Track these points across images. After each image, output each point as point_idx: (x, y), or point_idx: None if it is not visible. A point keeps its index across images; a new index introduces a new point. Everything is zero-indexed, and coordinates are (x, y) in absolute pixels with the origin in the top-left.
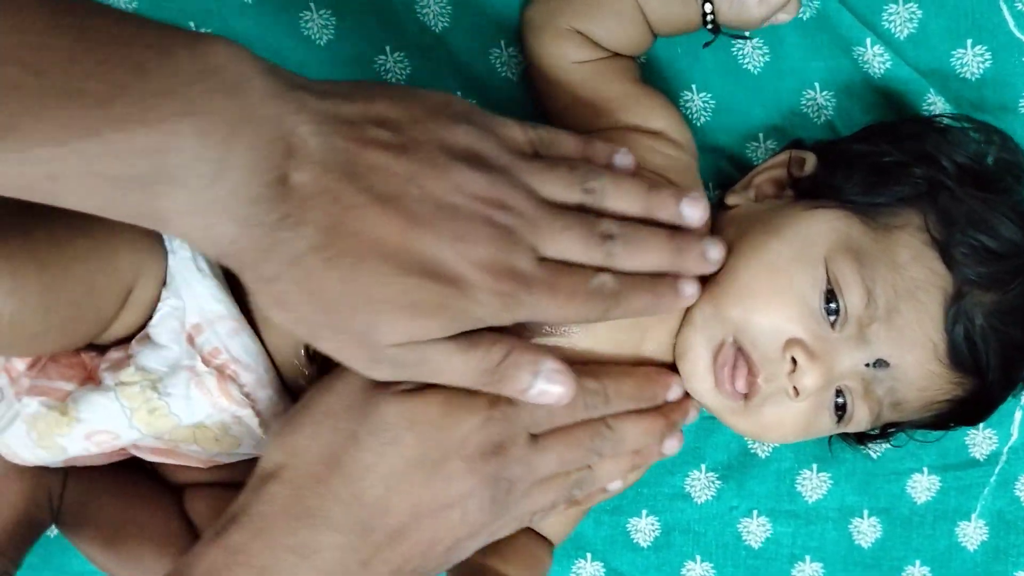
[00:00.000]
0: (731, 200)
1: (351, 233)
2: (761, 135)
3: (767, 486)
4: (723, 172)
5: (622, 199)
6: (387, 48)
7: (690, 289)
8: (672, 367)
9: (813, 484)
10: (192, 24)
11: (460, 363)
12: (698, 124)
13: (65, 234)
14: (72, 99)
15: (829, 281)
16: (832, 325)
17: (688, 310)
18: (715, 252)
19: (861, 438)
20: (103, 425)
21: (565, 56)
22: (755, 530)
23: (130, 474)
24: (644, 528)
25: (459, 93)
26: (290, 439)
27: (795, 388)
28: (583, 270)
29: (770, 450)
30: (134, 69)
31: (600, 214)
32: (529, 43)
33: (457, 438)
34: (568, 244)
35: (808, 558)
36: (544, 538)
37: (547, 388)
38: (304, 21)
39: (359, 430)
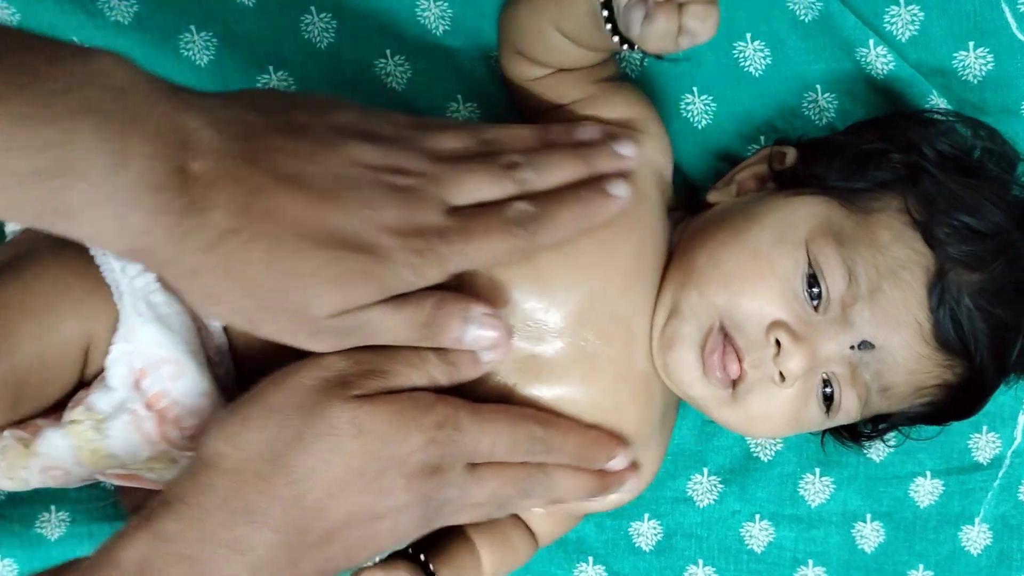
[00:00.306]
0: (712, 197)
1: (262, 213)
2: (763, 137)
3: (770, 490)
4: (723, 174)
5: (515, 140)
6: (387, 51)
7: (618, 188)
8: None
9: (816, 488)
10: (193, 27)
11: (395, 322)
12: (699, 127)
13: (5, 317)
14: None
15: (811, 264)
16: (816, 308)
17: (675, 301)
18: (625, 147)
19: (855, 436)
20: (54, 461)
21: (523, 75)
22: (758, 534)
23: None
24: (646, 532)
25: (459, 96)
26: (235, 430)
27: (780, 373)
28: (497, 204)
29: (773, 454)
30: (28, 71)
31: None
32: (498, 58)
33: (401, 453)
34: (475, 184)
35: (811, 562)
36: (530, 532)
37: (481, 333)
38: (305, 24)
39: (306, 431)
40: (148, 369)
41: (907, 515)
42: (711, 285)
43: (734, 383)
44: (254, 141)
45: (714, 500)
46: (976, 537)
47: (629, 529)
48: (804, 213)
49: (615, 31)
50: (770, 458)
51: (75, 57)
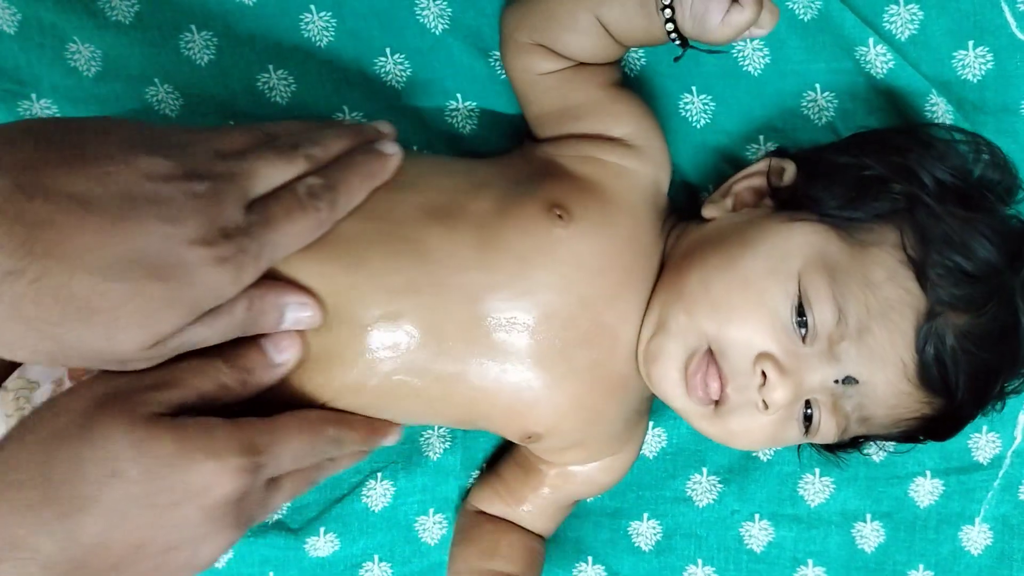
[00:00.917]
0: (708, 213)
1: (45, 250)
2: (761, 137)
3: (769, 490)
4: (723, 174)
5: (295, 127)
6: (387, 50)
7: (389, 147)
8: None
9: (815, 488)
10: (194, 27)
11: (212, 333)
12: (698, 126)
13: None
14: None
15: (801, 297)
16: (803, 339)
17: (662, 317)
18: (384, 125)
19: (830, 448)
20: None
21: (530, 68)
22: (757, 534)
23: None
24: (645, 532)
25: (458, 95)
26: (8, 453)
27: (764, 402)
28: (289, 188)
29: (772, 453)
30: None
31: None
32: (500, 52)
33: (195, 484)
34: (268, 170)
35: (811, 562)
36: (534, 534)
37: (300, 316)
38: (304, 23)
39: (83, 455)
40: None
41: (907, 515)
42: (700, 310)
43: (716, 402)
44: (33, 171)
45: (713, 500)
46: (976, 537)
47: (628, 529)
48: (799, 242)
49: (669, 20)
50: (769, 458)
51: None
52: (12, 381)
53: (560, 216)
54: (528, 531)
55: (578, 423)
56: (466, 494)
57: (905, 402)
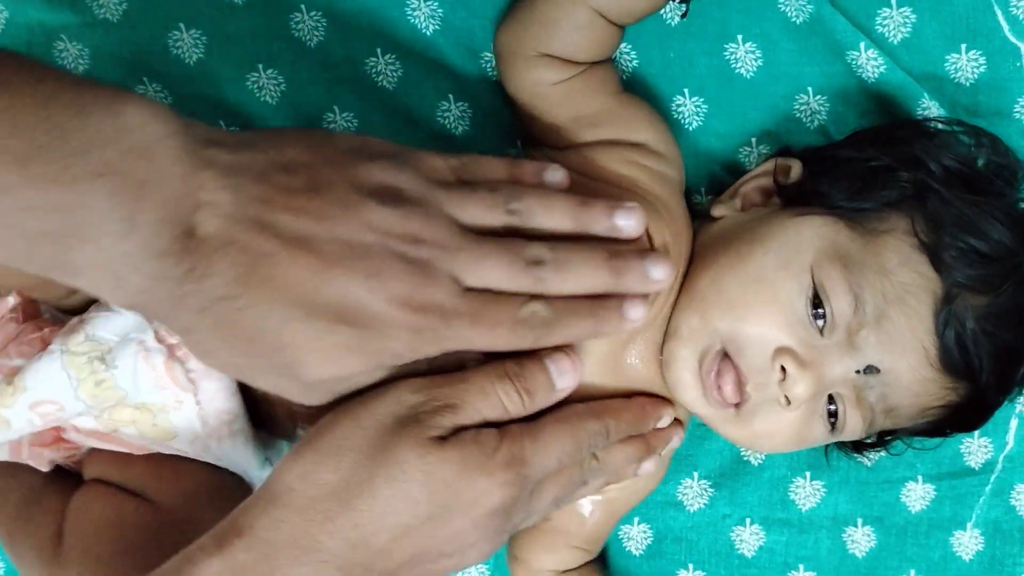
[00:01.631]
0: (717, 212)
1: (260, 281)
2: (754, 140)
3: (760, 494)
4: (715, 177)
5: (550, 216)
6: (378, 50)
7: (636, 312)
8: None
9: (806, 492)
10: (182, 25)
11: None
12: (690, 129)
13: None
14: None
15: (816, 289)
16: (820, 332)
17: (672, 321)
18: (658, 271)
19: (858, 447)
20: (48, 394)
21: (540, 81)
22: (748, 538)
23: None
24: (636, 536)
25: (450, 96)
26: (308, 468)
27: (786, 397)
28: (512, 298)
29: (763, 458)
30: (52, 129)
31: (531, 237)
32: (503, 73)
33: (468, 498)
34: (491, 272)
35: (802, 567)
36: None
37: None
38: (295, 22)
39: (377, 474)
40: None
41: (898, 520)
42: (713, 310)
43: (737, 404)
44: (269, 204)
45: (704, 504)
46: (968, 542)
47: (619, 533)
48: (810, 235)
49: None
50: (760, 462)
51: (105, 110)
52: (79, 344)
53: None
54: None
55: None
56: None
57: (929, 389)
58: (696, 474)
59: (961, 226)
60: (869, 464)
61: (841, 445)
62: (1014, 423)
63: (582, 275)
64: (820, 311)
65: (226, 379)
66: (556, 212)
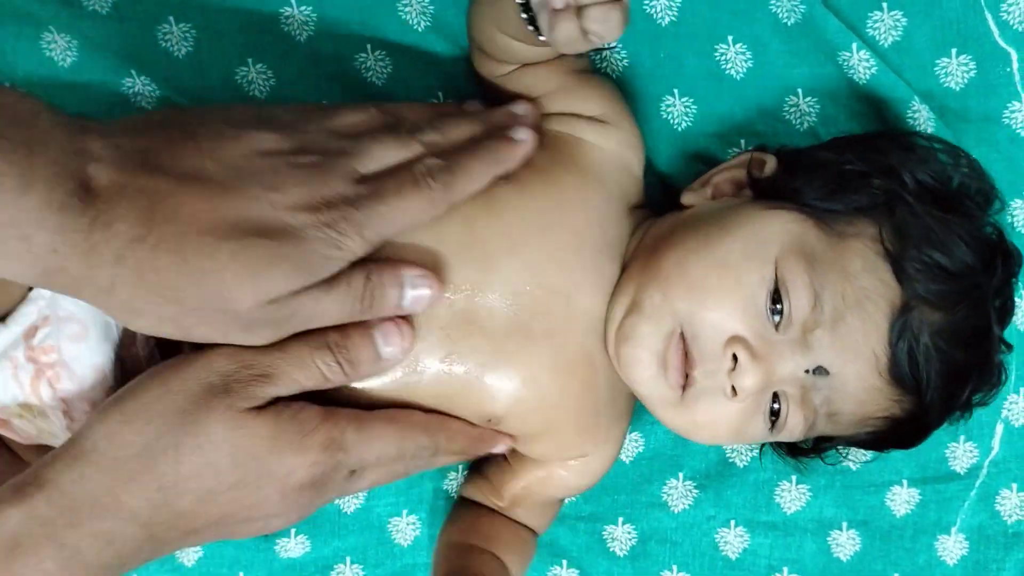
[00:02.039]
0: (687, 199)
1: (165, 217)
2: (743, 141)
3: (745, 496)
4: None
5: (418, 112)
6: (368, 46)
7: (521, 133)
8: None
9: (792, 495)
10: (172, 18)
11: (329, 304)
12: (679, 129)
13: None
14: None
15: (777, 283)
16: (776, 327)
17: (637, 297)
18: (520, 107)
19: (793, 451)
20: None
21: (489, 71)
22: (732, 540)
23: None
24: (620, 536)
25: (440, 93)
26: (114, 428)
27: (733, 387)
28: (405, 165)
29: (748, 459)
30: None
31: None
32: (472, 52)
33: (279, 472)
34: (381, 150)
35: (786, 570)
36: (526, 527)
37: (418, 294)
38: (285, 17)
39: (183, 442)
40: (52, 319)
41: (883, 524)
42: (675, 290)
43: (683, 386)
44: (153, 151)
45: (689, 505)
46: (952, 547)
47: (603, 533)
48: (778, 229)
49: (538, 32)
50: (746, 464)
51: None
52: None
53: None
54: (515, 521)
55: (538, 403)
56: (444, 498)
57: (875, 398)
58: (681, 475)
59: (927, 240)
60: (854, 468)
61: (777, 448)
62: (1000, 428)
63: (459, 126)
64: (778, 306)
65: (100, 393)
66: (419, 108)
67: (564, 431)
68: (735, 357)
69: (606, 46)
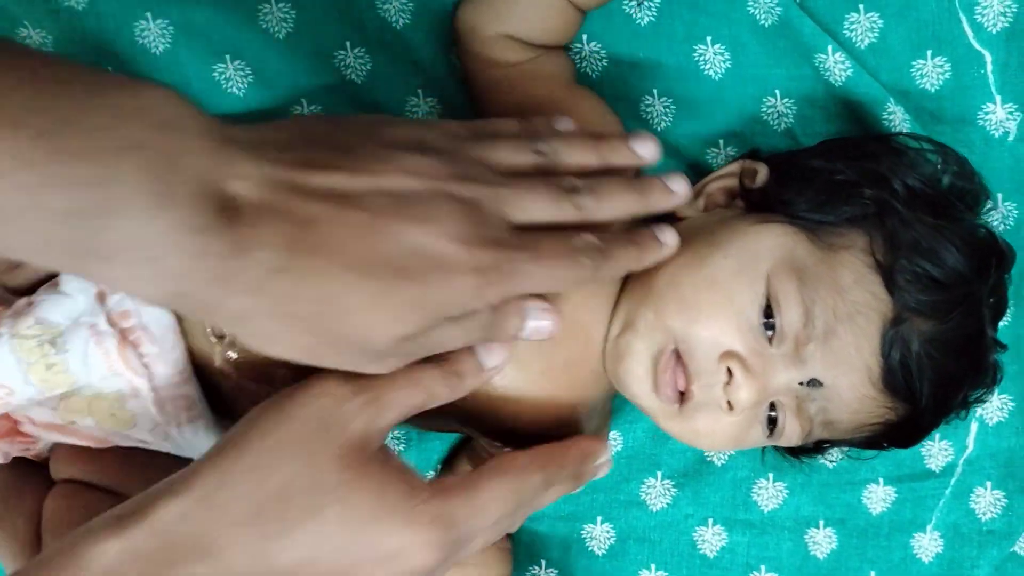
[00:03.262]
0: (680, 211)
1: (311, 248)
2: (721, 141)
3: (723, 494)
4: None
5: (575, 153)
6: (347, 44)
7: (670, 237)
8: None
9: (769, 493)
10: (149, 15)
11: (457, 333)
12: (658, 129)
13: None
14: (13, 130)
15: (769, 298)
16: (770, 341)
17: (627, 315)
18: (677, 184)
19: (794, 451)
20: None
21: (497, 61)
22: (710, 539)
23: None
24: (599, 536)
25: (419, 91)
26: (224, 463)
27: (729, 402)
28: (564, 231)
29: (726, 458)
30: (73, 105)
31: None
32: (461, 53)
33: (386, 548)
34: (536, 205)
35: (763, 568)
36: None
37: (538, 325)
38: (263, 13)
39: (295, 481)
40: None
41: (859, 522)
42: (667, 308)
43: (682, 398)
44: (300, 169)
45: (667, 504)
46: (927, 545)
47: (582, 532)
48: (769, 244)
49: None
50: (723, 462)
51: (121, 90)
52: (28, 327)
53: None
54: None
55: (552, 422)
56: None
57: (869, 407)
58: (659, 473)
59: (918, 250)
60: (831, 466)
61: (779, 448)
62: (974, 427)
63: (615, 199)
64: (771, 320)
65: (181, 363)
66: (578, 149)
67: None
68: (730, 372)
69: None
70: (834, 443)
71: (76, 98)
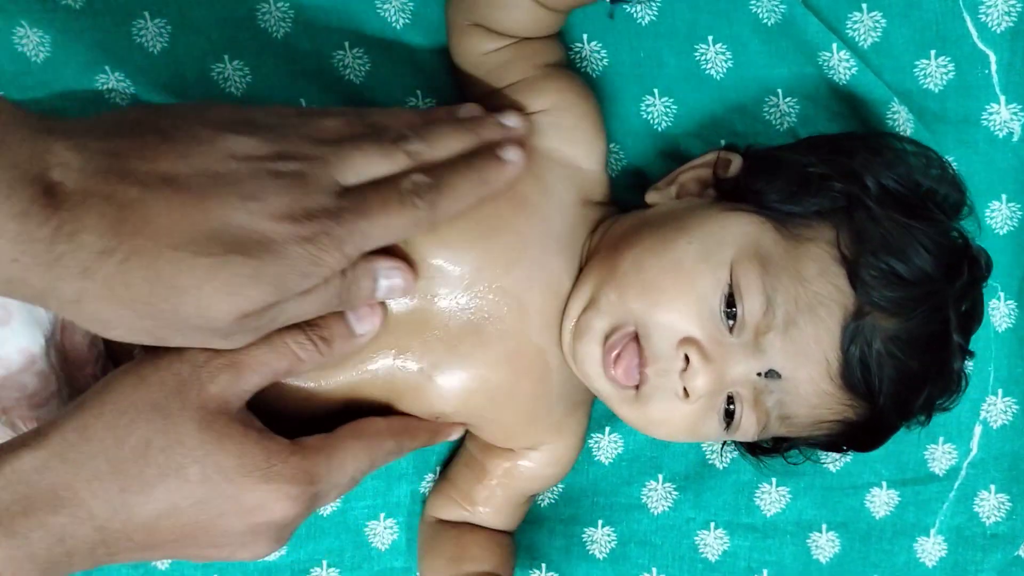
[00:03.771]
0: (651, 198)
1: (136, 227)
2: (723, 141)
3: (725, 498)
4: None
5: (403, 120)
6: (346, 44)
7: (512, 153)
8: None
9: (772, 497)
10: (147, 14)
11: (307, 305)
12: (659, 129)
13: None
14: None
15: (731, 286)
16: (730, 329)
17: (594, 294)
18: (510, 118)
19: (753, 450)
20: None
21: (472, 50)
22: (712, 543)
23: None
24: (600, 539)
25: (417, 91)
26: (86, 419)
27: (685, 389)
28: (391, 180)
29: (728, 461)
30: None
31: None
32: (448, 42)
33: (246, 502)
34: (365, 160)
35: (766, 572)
36: (501, 531)
37: (391, 284)
38: (261, 12)
39: (152, 441)
40: None
41: (862, 526)
42: (630, 290)
43: (637, 385)
44: (122, 154)
45: (669, 507)
46: (931, 549)
47: (583, 536)
48: (735, 232)
49: None
50: (726, 465)
51: None
52: None
53: None
54: (492, 529)
55: (487, 401)
56: (421, 501)
57: (827, 402)
58: (661, 476)
59: (884, 246)
60: (834, 469)
61: (738, 444)
62: (978, 429)
63: (446, 136)
64: (733, 309)
65: (29, 384)
66: (405, 115)
67: (514, 424)
68: (687, 358)
69: None
70: (793, 442)
71: None
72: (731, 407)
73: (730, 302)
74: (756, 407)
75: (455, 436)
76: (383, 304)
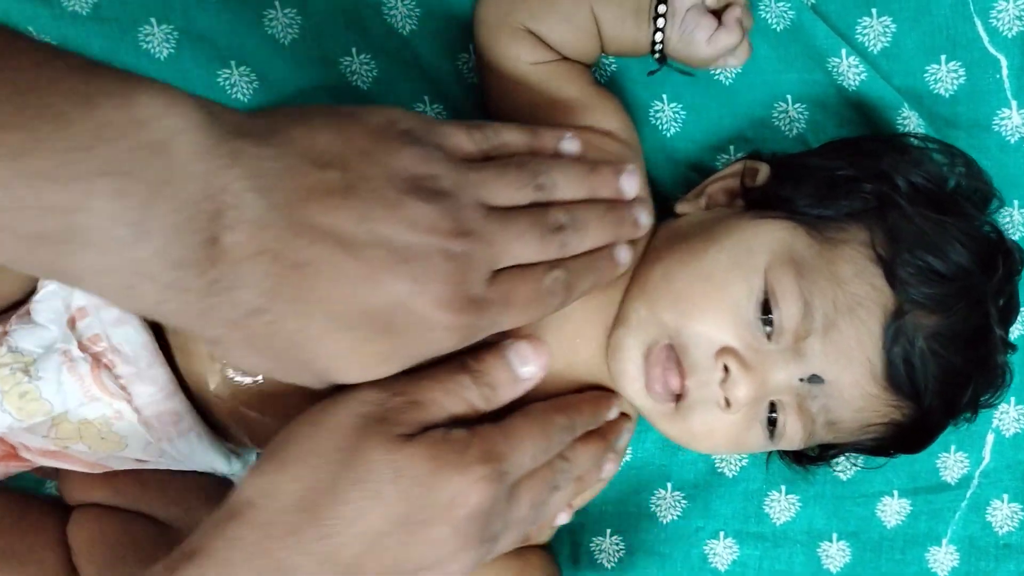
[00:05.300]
0: (681, 208)
1: (295, 293)
2: (732, 147)
3: (734, 507)
4: (692, 183)
5: (570, 187)
6: (353, 49)
7: (624, 255)
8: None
9: (781, 506)
10: (153, 20)
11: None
12: (668, 135)
13: None
14: None
15: (767, 292)
16: (768, 337)
17: (622, 310)
18: (644, 216)
19: (799, 459)
20: None
21: (519, 56)
22: (722, 552)
23: (10, 500)
24: (608, 548)
25: (425, 97)
26: (268, 479)
27: (726, 399)
28: (535, 271)
29: (738, 470)
30: (54, 119)
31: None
32: (483, 42)
33: (443, 499)
34: (523, 249)
35: None
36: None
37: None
38: (268, 19)
39: (342, 477)
40: (89, 309)
41: (874, 535)
42: (661, 302)
43: (677, 398)
44: (302, 205)
45: (678, 516)
46: (943, 558)
47: (591, 545)
48: (767, 239)
49: (659, 30)
50: (735, 474)
51: (114, 100)
52: (1, 356)
53: None
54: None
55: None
56: None
57: (873, 405)
58: (670, 485)
59: (920, 243)
60: (844, 478)
61: (784, 457)
62: (990, 438)
63: (594, 232)
64: (769, 316)
65: (161, 379)
66: (574, 181)
67: None
68: (726, 368)
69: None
70: (840, 449)
71: (58, 110)
72: (773, 415)
73: (766, 309)
74: (800, 414)
75: (614, 412)
76: (542, 340)
